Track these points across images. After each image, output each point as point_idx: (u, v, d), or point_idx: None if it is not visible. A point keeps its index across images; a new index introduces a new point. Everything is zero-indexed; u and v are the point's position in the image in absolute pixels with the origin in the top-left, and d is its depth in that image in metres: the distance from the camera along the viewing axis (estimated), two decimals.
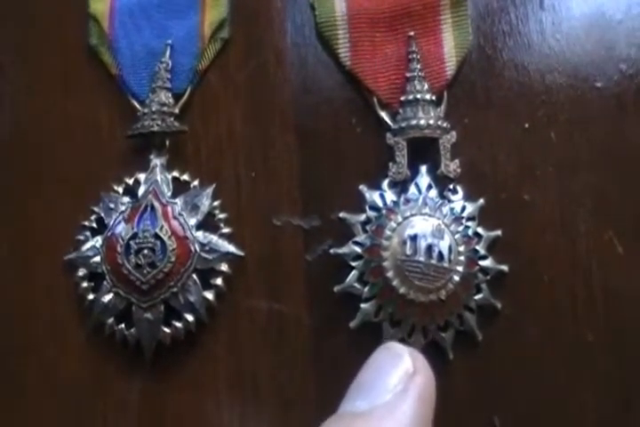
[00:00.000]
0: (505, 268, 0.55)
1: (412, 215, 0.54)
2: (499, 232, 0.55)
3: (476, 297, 0.54)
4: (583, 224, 0.56)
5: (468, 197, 0.56)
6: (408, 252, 0.53)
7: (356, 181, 0.56)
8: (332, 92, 0.59)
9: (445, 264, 0.53)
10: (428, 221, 0.54)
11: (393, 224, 0.54)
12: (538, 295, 0.54)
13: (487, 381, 0.53)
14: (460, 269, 0.53)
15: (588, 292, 0.54)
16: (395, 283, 0.53)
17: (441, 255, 0.53)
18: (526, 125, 0.58)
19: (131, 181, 0.57)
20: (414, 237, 0.53)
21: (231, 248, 0.54)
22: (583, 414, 0.53)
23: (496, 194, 0.56)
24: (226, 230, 0.55)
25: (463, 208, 0.55)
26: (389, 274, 0.53)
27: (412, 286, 0.53)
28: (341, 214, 0.56)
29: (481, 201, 0.56)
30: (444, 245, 0.53)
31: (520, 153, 0.57)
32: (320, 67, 0.59)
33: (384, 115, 0.58)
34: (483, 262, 0.55)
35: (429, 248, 0.53)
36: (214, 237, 0.54)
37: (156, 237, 0.53)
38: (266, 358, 0.54)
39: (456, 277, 0.53)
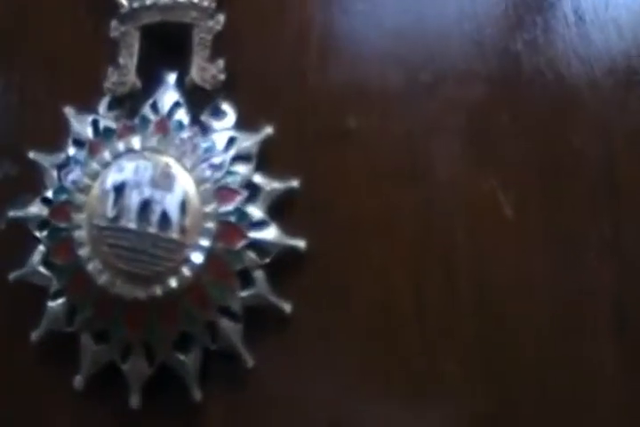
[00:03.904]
0: (301, 243, 0.32)
1: (128, 152, 0.31)
2: (294, 183, 0.32)
3: (244, 293, 0.31)
4: (446, 165, 0.31)
5: (247, 123, 0.32)
6: (109, 213, 0.30)
7: (70, 99, 0.33)
8: None
9: (174, 235, 0.30)
10: (150, 161, 0.30)
11: (95, 166, 0.31)
12: (359, 288, 0.33)
13: None
14: (204, 243, 0.30)
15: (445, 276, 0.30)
16: (90, 267, 0.30)
17: (166, 220, 0.30)
18: None
19: None
20: (120, 188, 0.30)
21: None
22: None
23: (299, 118, 0.32)
24: None
25: (231, 141, 0.32)
26: (83, 252, 0.31)
27: (119, 274, 0.30)
28: (31, 154, 0.33)
29: (268, 130, 0.32)
30: (172, 200, 0.30)
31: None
32: None
33: None
34: (256, 234, 0.31)
35: (145, 207, 0.30)
36: None
37: None
38: None
39: (197, 258, 0.30)
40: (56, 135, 0.34)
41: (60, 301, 0.33)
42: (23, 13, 0.38)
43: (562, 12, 0.32)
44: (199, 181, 0.31)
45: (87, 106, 0.34)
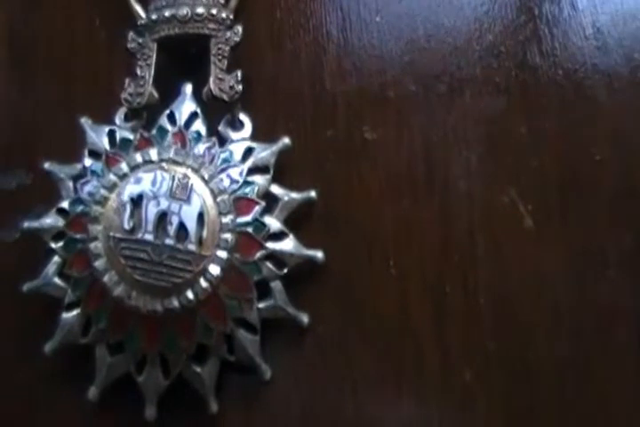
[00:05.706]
0: (319, 254, 0.31)
1: (146, 163, 0.31)
2: (312, 194, 0.31)
3: (261, 305, 0.31)
4: (464, 176, 0.31)
5: (264, 133, 0.32)
6: (126, 225, 0.30)
7: (86, 109, 0.33)
8: None
9: (192, 247, 0.29)
10: (169, 172, 0.30)
11: (112, 178, 0.31)
12: (377, 300, 0.32)
13: None
14: (222, 254, 0.30)
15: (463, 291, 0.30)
16: (106, 279, 0.30)
17: (184, 231, 0.29)
18: None
19: None
20: (137, 200, 0.30)
21: None
22: None
23: (316, 129, 0.32)
24: None
25: (248, 151, 0.32)
26: (99, 264, 0.30)
27: (135, 285, 0.30)
28: (46, 165, 0.33)
29: (285, 141, 0.32)
30: (189, 212, 0.30)
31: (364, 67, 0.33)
32: None
33: (139, 8, 0.34)
34: (274, 245, 0.31)
35: (162, 219, 0.30)
36: None
37: None
38: None
39: (214, 270, 0.30)
40: (71, 145, 0.34)
41: (75, 312, 0.32)
42: (37, 23, 0.38)
43: (579, 24, 0.32)
44: (217, 192, 0.31)
45: (103, 116, 0.34)
